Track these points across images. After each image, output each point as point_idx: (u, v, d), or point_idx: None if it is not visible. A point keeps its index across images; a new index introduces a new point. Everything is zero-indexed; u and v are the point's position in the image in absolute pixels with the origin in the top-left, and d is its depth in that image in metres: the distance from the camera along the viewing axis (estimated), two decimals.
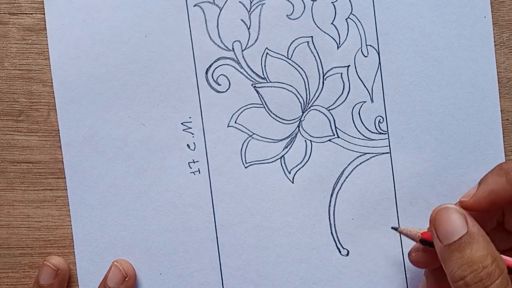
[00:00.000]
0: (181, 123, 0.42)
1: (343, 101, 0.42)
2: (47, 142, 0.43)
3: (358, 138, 0.42)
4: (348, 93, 0.42)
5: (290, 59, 0.41)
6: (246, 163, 0.42)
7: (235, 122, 0.42)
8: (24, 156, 0.43)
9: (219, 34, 0.41)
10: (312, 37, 0.41)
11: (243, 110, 0.42)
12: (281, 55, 0.41)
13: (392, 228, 0.40)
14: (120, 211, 0.42)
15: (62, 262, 0.42)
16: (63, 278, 0.42)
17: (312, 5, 0.41)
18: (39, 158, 0.42)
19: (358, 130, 0.42)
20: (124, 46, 0.41)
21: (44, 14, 0.42)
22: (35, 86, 0.42)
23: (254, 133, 0.42)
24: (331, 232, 0.42)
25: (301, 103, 0.42)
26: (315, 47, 0.41)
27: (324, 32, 0.41)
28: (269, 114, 0.42)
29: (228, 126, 0.42)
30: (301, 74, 0.41)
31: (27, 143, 0.43)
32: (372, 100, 0.41)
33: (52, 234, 0.43)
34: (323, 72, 0.41)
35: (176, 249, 0.42)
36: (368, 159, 0.42)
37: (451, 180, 0.41)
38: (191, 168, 0.42)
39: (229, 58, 0.41)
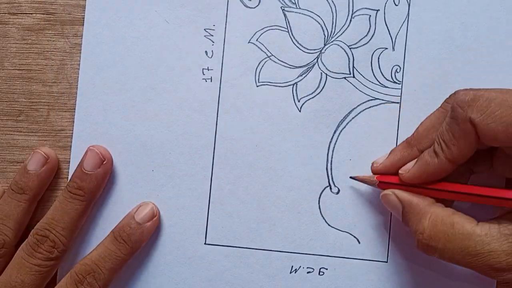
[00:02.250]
0: (204, 29, 0.42)
1: (366, 43, 0.42)
2: (47, 142, 0.43)
3: (373, 83, 0.42)
4: (372, 36, 0.42)
5: None
6: (258, 82, 0.42)
7: (257, 40, 0.42)
8: (24, 156, 0.43)
9: None
10: None
11: (267, 30, 0.42)
12: None
13: (350, 177, 0.41)
14: (125, 100, 0.42)
15: (53, 152, 0.42)
16: (51, 168, 0.42)
17: None
18: None
19: (374, 74, 0.42)
20: None
21: (44, 14, 0.42)
22: (35, 86, 0.43)
23: (272, 55, 0.42)
24: (327, 168, 0.42)
25: (325, 35, 0.42)
26: None
27: None
28: (291, 39, 0.42)
29: (248, 42, 0.42)
30: (331, 7, 0.42)
31: (27, 143, 0.43)
32: (393, 48, 0.42)
33: None
34: (352, 10, 0.42)
35: (172, 149, 0.42)
36: (377, 105, 0.42)
37: None
38: (204, 74, 0.42)
39: None
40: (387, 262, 0.41)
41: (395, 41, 0.42)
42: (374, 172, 0.40)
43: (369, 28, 0.42)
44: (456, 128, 0.35)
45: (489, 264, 0.33)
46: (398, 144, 0.41)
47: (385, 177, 0.39)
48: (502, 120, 0.33)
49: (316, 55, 0.42)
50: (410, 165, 0.38)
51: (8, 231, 0.40)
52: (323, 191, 0.42)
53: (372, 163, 0.40)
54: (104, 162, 0.41)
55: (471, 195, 0.36)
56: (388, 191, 0.38)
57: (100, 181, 0.40)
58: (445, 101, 0.38)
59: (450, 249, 0.34)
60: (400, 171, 0.38)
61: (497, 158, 0.38)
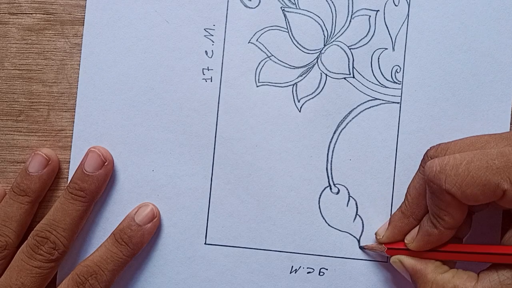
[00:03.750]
0: (204, 29, 0.42)
1: (366, 43, 0.42)
2: (47, 142, 0.43)
3: (373, 83, 0.42)
4: (372, 36, 0.42)
5: None
6: (258, 82, 0.42)
7: (257, 40, 0.42)
8: (24, 156, 0.43)
9: None
10: None
11: (267, 30, 0.42)
12: None
13: (360, 247, 0.41)
14: (125, 101, 0.42)
15: (54, 154, 0.42)
16: (52, 170, 0.42)
17: None
18: None
19: (374, 74, 0.42)
20: None
21: (44, 14, 0.42)
22: (35, 86, 0.43)
23: (272, 55, 0.42)
24: (327, 168, 0.42)
25: (325, 36, 0.42)
26: None
27: None
28: (291, 40, 0.42)
29: (249, 42, 0.42)
30: (330, 8, 0.42)
31: (27, 143, 0.43)
32: (393, 48, 0.42)
33: None
34: (352, 11, 0.42)
35: (173, 149, 0.42)
36: (377, 105, 0.42)
37: None
38: (204, 74, 0.42)
39: None
40: (387, 262, 0.41)
41: (395, 41, 0.42)
42: (386, 244, 0.40)
43: (369, 29, 0.42)
44: (439, 201, 0.36)
45: None
46: (398, 144, 0.42)
47: (392, 244, 0.40)
48: (475, 184, 0.34)
49: (316, 55, 0.42)
50: (414, 233, 0.38)
51: (10, 232, 0.40)
52: (323, 191, 0.42)
53: (375, 235, 0.41)
54: (105, 164, 0.41)
55: (473, 254, 0.37)
56: (395, 259, 0.39)
57: (101, 182, 0.40)
58: (420, 164, 0.39)
59: None
60: (405, 241, 0.39)
61: None
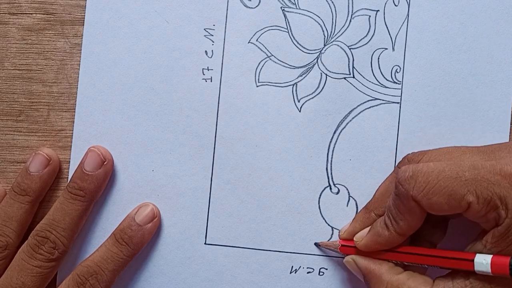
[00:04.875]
0: (204, 29, 0.42)
1: (366, 43, 0.42)
2: (47, 142, 0.43)
3: (372, 83, 0.42)
4: (372, 37, 0.42)
5: None
6: (258, 82, 0.42)
7: (257, 40, 0.42)
8: (24, 156, 0.43)
9: None
10: None
11: (267, 30, 0.42)
12: None
13: (315, 244, 0.41)
14: (125, 101, 0.42)
15: (55, 154, 0.42)
16: (53, 169, 0.42)
17: None
18: None
19: (374, 74, 0.42)
20: None
21: (44, 14, 0.42)
22: (35, 86, 0.43)
23: (272, 55, 0.42)
24: (326, 168, 0.42)
25: (325, 36, 0.42)
26: None
27: None
28: (291, 40, 0.42)
29: (248, 42, 0.42)
30: (330, 8, 0.42)
31: (27, 143, 0.43)
32: (393, 48, 0.42)
33: None
34: (352, 11, 0.42)
35: (173, 149, 0.42)
36: (377, 105, 0.42)
37: (452, 143, 0.41)
38: (204, 74, 0.42)
39: None
40: None
41: (395, 41, 0.42)
42: (342, 239, 0.40)
43: (369, 29, 0.42)
44: (401, 205, 0.35)
45: None
46: (398, 144, 0.42)
47: (346, 241, 0.40)
48: (442, 193, 0.34)
49: (316, 55, 0.42)
50: (364, 232, 0.38)
51: (10, 232, 0.40)
52: (323, 191, 0.42)
53: (339, 232, 0.41)
54: (105, 163, 0.41)
55: (426, 256, 0.36)
56: (349, 258, 0.39)
57: (100, 181, 0.40)
58: (397, 165, 0.39)
59: None
60: (355, 239, 0.39)
61: None
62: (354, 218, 0.40)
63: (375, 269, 0.37)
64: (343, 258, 0.40)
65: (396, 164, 0.41)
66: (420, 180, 0.34)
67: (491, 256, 0.33)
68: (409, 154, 0.39)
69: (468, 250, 0.35)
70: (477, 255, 0.34)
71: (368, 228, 0.38)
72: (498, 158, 0.34)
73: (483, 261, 0.33)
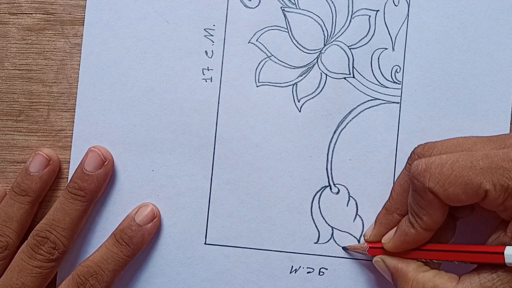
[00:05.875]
0: (204, 29, 0.42)
1: (366, 43, 0.42)
2: (47, 142, 0.43)
3: (372, 83, 0.42)
4: (372, 36, 0.42)
5: None
6: (258, 82, 0.42)
7: (257, 40, 0.42)
8: (24, 156, 0.43)
9: None
10: None
11: (267, 30, 0.42)
12: None
13: (343, 248, 0.41)
14: (125, 101, 0.42)
15: (55, 154, 0.42)
16: (53, 170, 0.42)
17: None
18: None
19: (374, 74, 0.42)
20: None
21: (44, 14, 0.42)
22: (35, 86, 0.43)
23: (272, 55, 0.42)
24: (327, 168, 0.42)
25: (325, 36, 0.42)
26: None
27: None
28: (291, 40, 0.42)
29: (249, 42, 0.42)
30: (330, 8, 0.42)
31: (27, 143, 0.43)
32: (393, 48, 0.42)
33: None
34: (352, 11, 0.42)
35: (173, 149, 0.42)
36: (377, 105, 0.42)
37: None
38: (204, 74, 0.42)
39: None
40: None
41: (395, 41, 0.42)
42: (368, 243, 0.40)
43: (369, 29, 0.42)
44: (420, 199, 0.35)
45: None
46: (398, 144, 0.42)
47: (373, 243, 0.40)
48: (458, 183, 0.34)
49: (316, 55, 0.42)
50: (391, 234, 0.38)
51: (11, 233, 0.40)
52: (323, 191, 0.42)
53: (364, 236, 0.41)
54: (105, 163, 0.41)
55: (453, 252, 0.36)
56: (378, 258, 0.39)
57: (101, 182, 0.40)
58: (407, 161, 0.39)
59: None
60: (382, 241, 0.39)
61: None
62: (376, 220, 0.40)
63: (402, 267, 0.37)
64: (346, 259, 0.40)
65: (396, 164, 0.41)
66: (434, 171, 0.34)
67: None
68: (416, 148, 0.38)
69: (491, 243, 0.35)
70: (507, 247, 0.34)
71: (394, 229, 0.38)
72: (510, 146, 0.35)
73: None
